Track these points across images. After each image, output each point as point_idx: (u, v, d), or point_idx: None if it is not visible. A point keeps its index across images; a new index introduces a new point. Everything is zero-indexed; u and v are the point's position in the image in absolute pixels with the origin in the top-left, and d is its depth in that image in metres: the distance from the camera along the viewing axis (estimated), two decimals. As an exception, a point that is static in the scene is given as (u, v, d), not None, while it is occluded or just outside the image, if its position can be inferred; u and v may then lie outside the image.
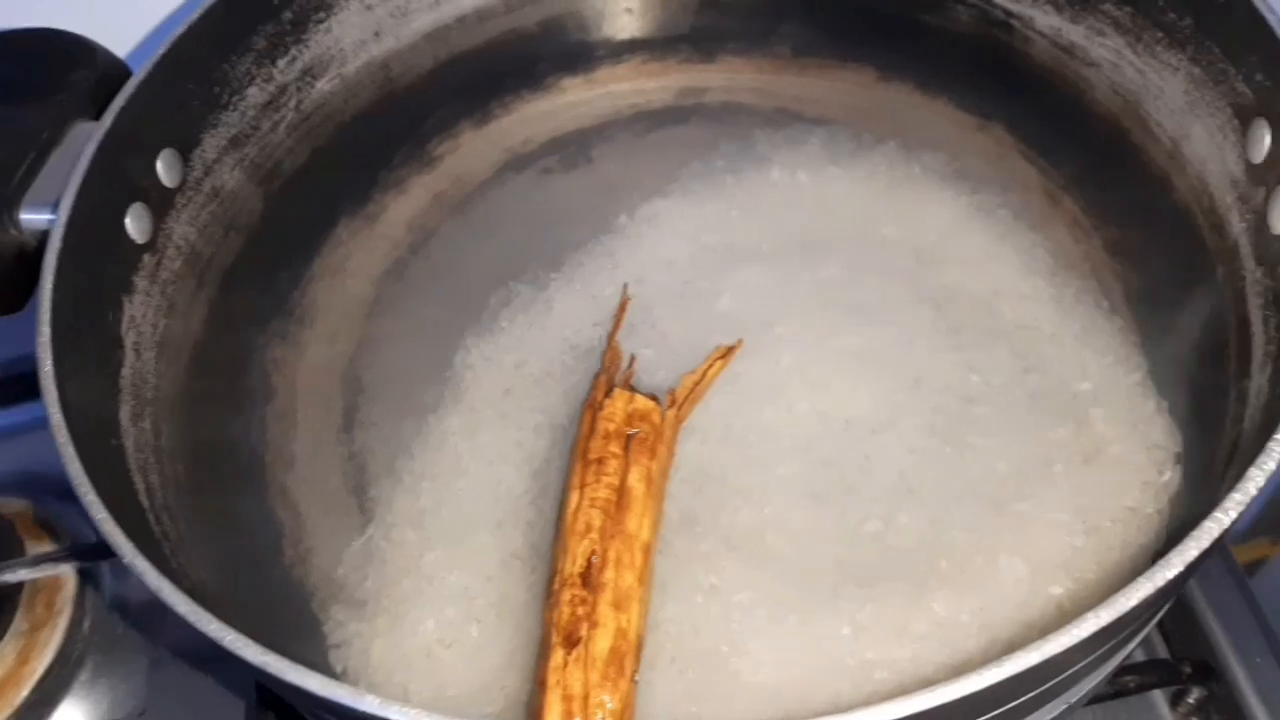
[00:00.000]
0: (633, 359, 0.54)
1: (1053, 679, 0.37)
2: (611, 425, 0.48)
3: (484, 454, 0.54)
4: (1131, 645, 0.44)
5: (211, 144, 0.57)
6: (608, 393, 0.50)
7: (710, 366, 0.53)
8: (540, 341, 0.58)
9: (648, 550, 0.46)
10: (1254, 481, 0.35)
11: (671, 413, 0.51)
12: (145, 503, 0.45)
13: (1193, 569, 0.34)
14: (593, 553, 0.45)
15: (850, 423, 0.53)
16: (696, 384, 0.53)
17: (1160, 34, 0.54)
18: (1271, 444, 0.35)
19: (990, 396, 0.54)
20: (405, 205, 0.65)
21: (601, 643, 0.43)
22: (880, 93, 0.66)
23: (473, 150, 0.67)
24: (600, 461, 0.47)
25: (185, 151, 0.55)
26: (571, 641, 0.42)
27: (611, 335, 0.56)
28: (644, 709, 0.45)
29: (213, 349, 0.56)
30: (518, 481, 0.53)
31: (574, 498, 0.47)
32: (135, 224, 0.52)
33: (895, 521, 0.50)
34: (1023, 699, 0.36)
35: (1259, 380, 0.46)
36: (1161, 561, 0.34)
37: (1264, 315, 0.47)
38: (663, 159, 0.65)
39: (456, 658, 0.49)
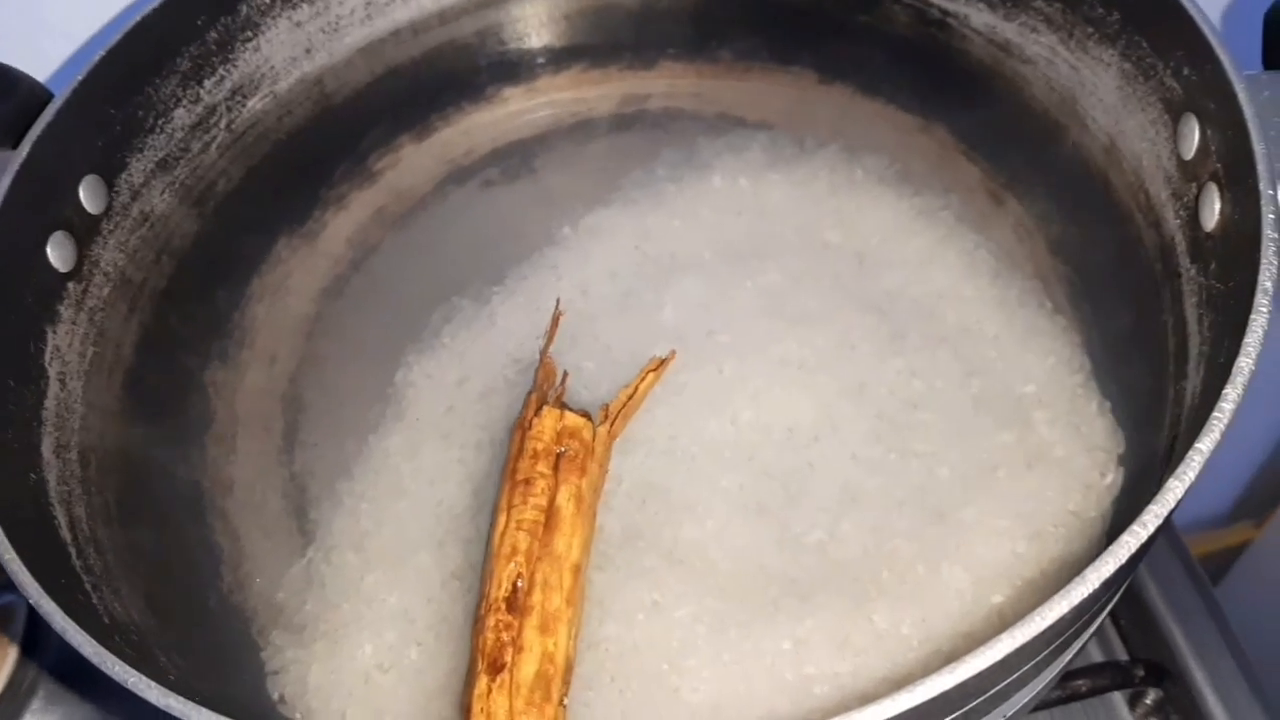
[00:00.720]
0: (565, 375, 0.54)
1: (992, 689, 0.37)
2: (540, 444, 0.48)
3: (425, 473, 0.54)
4: (1071, 652, 0.43)
5: (138, 168, 0.56)
6: (538, 411, 0.49)
7: (643, 379, 0.53)
8: (483, 357, 0.58)
9: (577, 570, 0.46)
10: (1173, 493, 0.34)
11: (603, 429, 0.50)
12: (67, 536, 0.44)
13: (1114, 583, 0.34)
14: (519, 576, 0.44)
15: (793, 431, 0.53)
16: (629, 398, 0.52)
17: (1090, 29, 0.53)
18: (1192, 454, 0.35)
19: (933, 402, 0.53)
20: (345, 221, 0.65)
21: (527, 668, 0.42)
22: (821, 96, 0.66)
23: (413, 164, 0.67)
24: (528, 482, 0.47)
25: (110, 177, 0.54)
26: (496, 668, 0.42)
27: (544, 350, 0.55)
28: (581, 731, 0.44)
29: (147, 374, 0.55)
30: (459, 499, 0.53)
31: (501, 520, 0.46)
32: (57, 252, 0.51)
33: (838, 531, 0.50)
34: (964, 709, 0.36)
35: (1194, 381, 0.45)
36: (1076, 579, 0.33)
37: (1199, 314, 0.46)
38: (605, 168, 0.65)
39: (394, 682, 0.48)
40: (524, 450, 0.48)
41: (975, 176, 0.61)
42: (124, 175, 0.55)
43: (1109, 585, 0.33)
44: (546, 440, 0.48)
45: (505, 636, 0.43)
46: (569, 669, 0.44)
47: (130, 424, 0.53)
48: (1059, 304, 0.56)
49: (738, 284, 0.58)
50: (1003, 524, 0.48)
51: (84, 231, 0.52)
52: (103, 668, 0.34)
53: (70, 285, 0.52)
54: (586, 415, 0.50)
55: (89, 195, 0.53)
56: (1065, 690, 0.53)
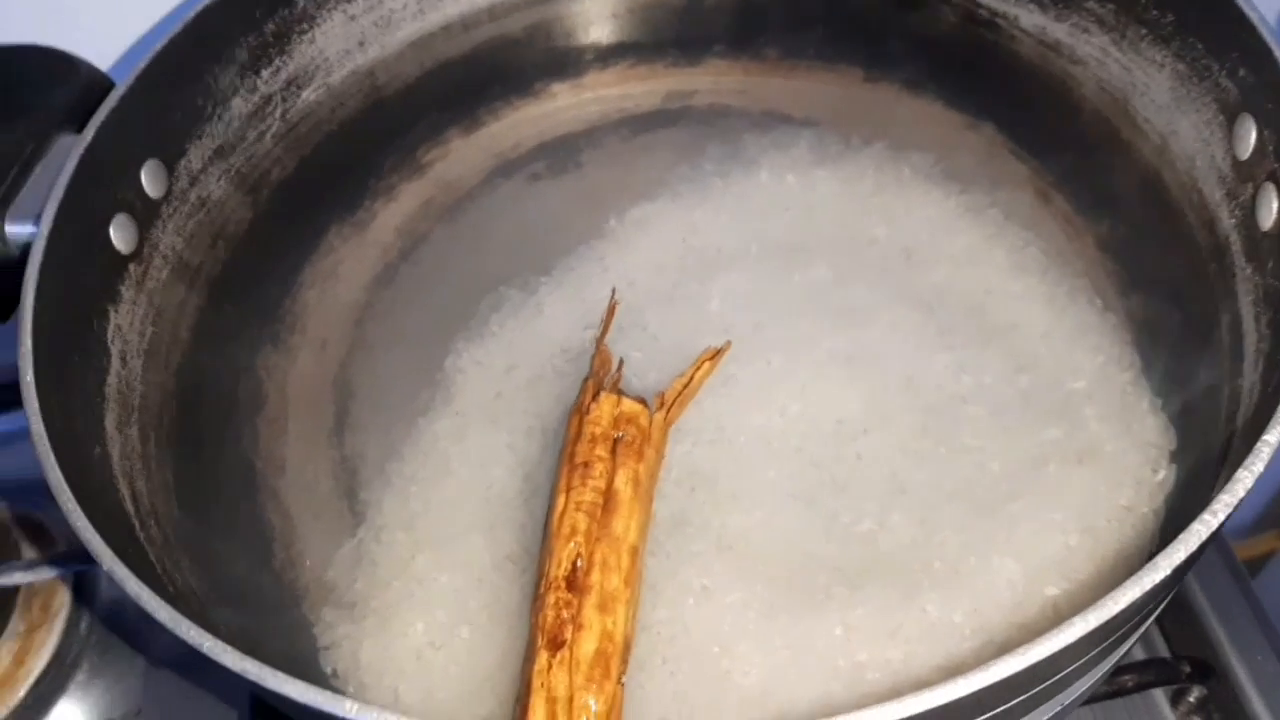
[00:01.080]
0: (621, 362, 0.54)
1: (1047, 680, 0.37)
2: (598, 429, 0.48)
3: (474, 457, 0.54)
4: (1127, 645, 0.44)
5: (196, 154, 0.57)
6: (595, 396, 0.50)
7: (699, 368, 0.53)
8: (531, 345, 0.58)
9: (635, 553, 0.46)
10: (1242, 483, 0.34)
11: (660, 415, 0.51)
12: (131, 508, 0.45)
13: (1183, 571, 0.34)
14: (578, 556, 0.45)
15: (841, 423, 0.53)
16: (685, 386, 0.52)
17: (1144, 30, 0.54)
18: (1260, 445, 0.35)
19: (982, 397, 0.53)
20: (395, 212, 0.65)
21: (587, 645, 0.42)
22: (868, 94, 0.66)
23: (461, 157, 0.67)
24: (586, 465, 0.47)
25: (170, 162, 0.55)
26: (556, 644, 0.42)
27: (600, 338, 0.56)
28: (635, 710, 0.45)
29: (202, 356, 0.56)
30: (509, 484, 0.53)
31: (560, 501, 0.47)
32: (120, 234, 0.52)
33: (887, 522, 0.50)
34: (1017, 700, 0.36)
35: (1251, 378, 0.45)
36: (1149, 565, 0.33)
37: (1255, 312, 0.46)
38: (651, 163, 0.65)
39: (446, 660, 0.48)
40: (582, 434, 0.48)
41: (1023, 174, 0.62)
42: (183, 161, 0.56)
43: (1178, 573, 0.33)
44: (604, 425, 0.48)
45: (565, 614, 0.43)
46: (627, 648, 0.44)
47: (186, 403, 0.54)
48: (1109, 301, 0.56)
49: (785, 278, 0.59)
50: (1054, 517, 0.48)
51: (145, 215, 0.53)
52: (176, 631, 0.34)
53: (131, 266, 0.52)
54: (643, 402, 0.50)
55: (150, 179, 0.53)
56: (1111, 685, 0.53)
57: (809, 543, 0.50)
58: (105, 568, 0.36)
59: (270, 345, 0.60)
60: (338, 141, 0.65)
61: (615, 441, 0.48)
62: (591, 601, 0.44)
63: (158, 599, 0.35)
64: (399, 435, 0.56)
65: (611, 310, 0.57)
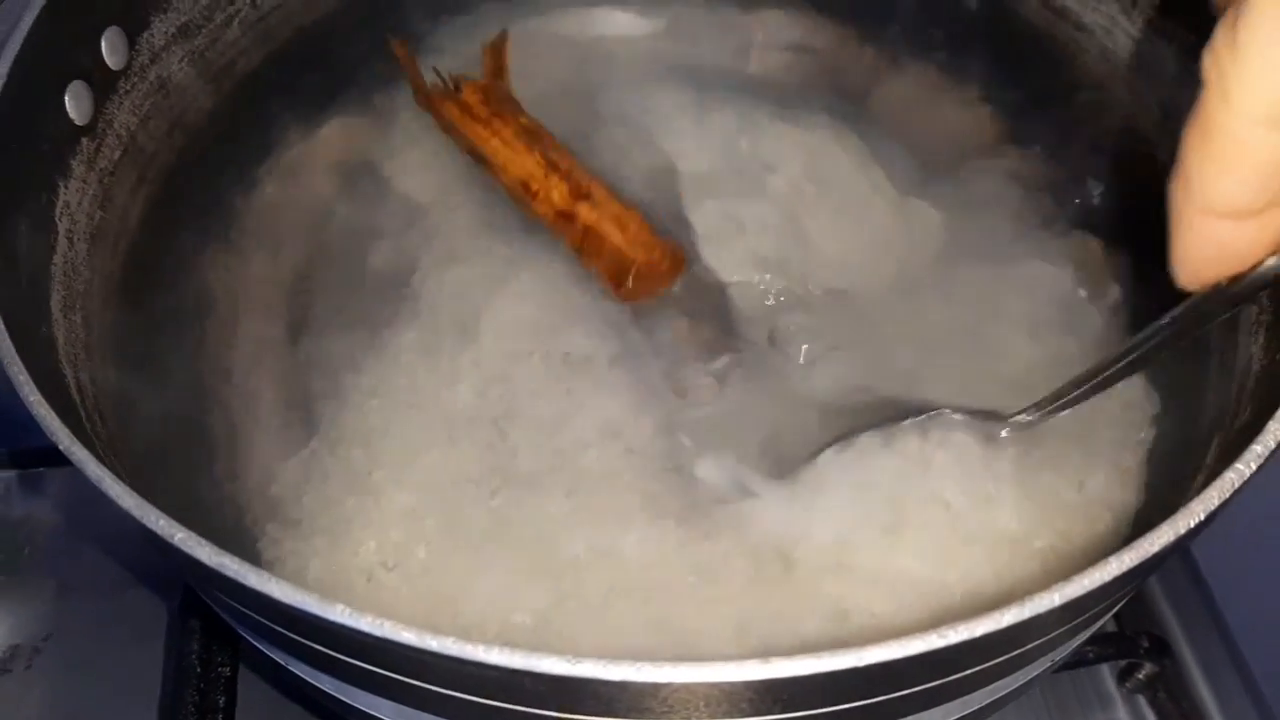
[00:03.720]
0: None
1: (1029, 643, 0.35)
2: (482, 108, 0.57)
3: (440, 371, 0.51)
4: (1111, 613, 0.43)
5: (160, 29, 0.52)
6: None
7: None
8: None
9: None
10: (1272, 434, 0.34)
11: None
12: (77, 398, 0.41)
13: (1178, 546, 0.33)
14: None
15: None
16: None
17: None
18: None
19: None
20: (363, 117, 0.62)
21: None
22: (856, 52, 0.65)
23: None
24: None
25: (132, 34, 0.51)
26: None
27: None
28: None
29: (150, 250, 0.52)
30: (474, 403, 0.50)
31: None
32: (75, 103, 0.47)
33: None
34: (998, 660, 0.35)
35: (1250, 349, 0.45)
36: (1155, 530, 0.32)
37: (1255, 283, 0.46)
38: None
39: (400, 580, 0.46)
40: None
41: (1011, 139, 0.60)
42: (146, 35, 0.52)
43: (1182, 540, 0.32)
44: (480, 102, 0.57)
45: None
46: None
47: (131, 297, 0.50)
48: (1093, 272, 0.55)
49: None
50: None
51: (102, 86, 0.49)
52: (143, 520, 0.31)
53: (84, 140, 0.48)
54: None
55: (110, 48, 0.49)
56: (1074, 655, 0.53)
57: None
58: (63, 447, 0.32)
59: (223, 244, 0.56)
60: (308, 39, 0.61)
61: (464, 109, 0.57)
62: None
63: (123, 485, 0.31)
64: (359, 346, 0.52)
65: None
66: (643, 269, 0.53)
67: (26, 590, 0.59)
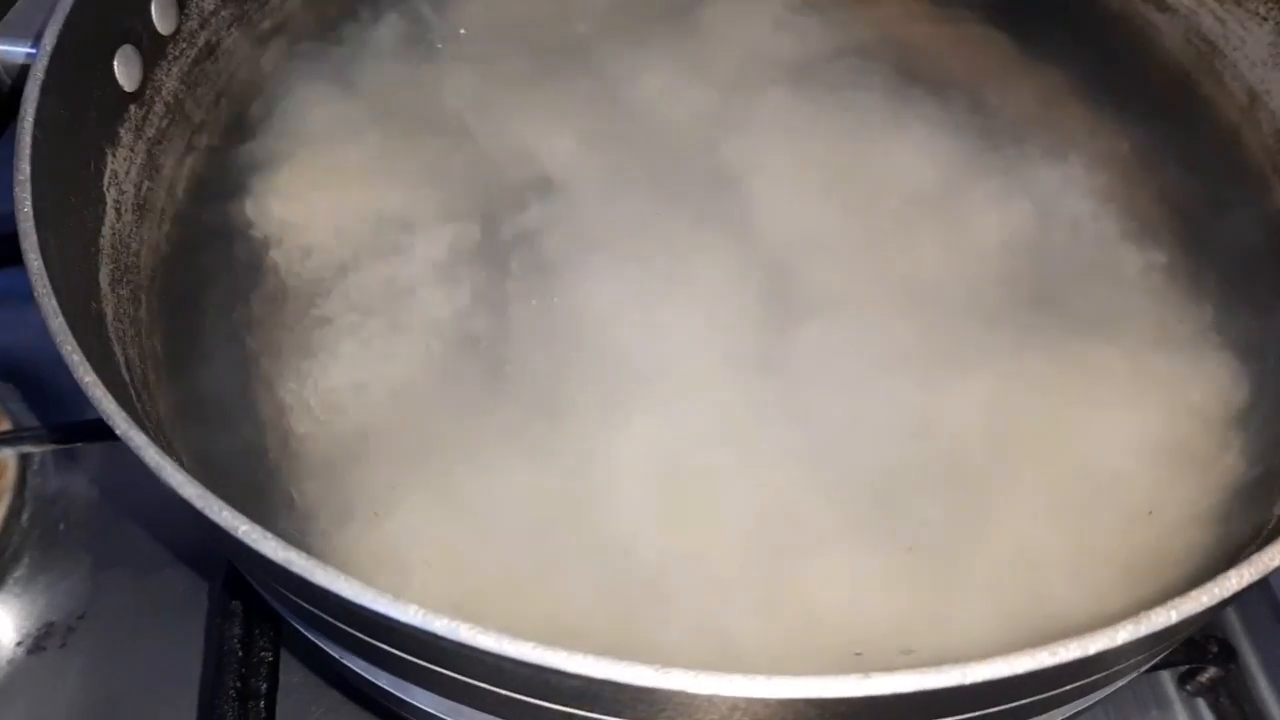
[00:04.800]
0: None
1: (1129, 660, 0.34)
2: None
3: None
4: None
5: (210, -7, 0.51)
6: None
7: None
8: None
9: None
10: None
11: None
12: (126, 377, 0.40)
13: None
14: None
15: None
16: None
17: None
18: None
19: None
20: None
21: None
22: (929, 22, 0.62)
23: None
24: None
25: (182, -3, 0.49)
26: None
27: None
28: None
29: (197, 222, 0.50)
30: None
31: None
32: (124, 68, 0.46)
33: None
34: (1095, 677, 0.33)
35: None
36: (1255, 557, 0.30)
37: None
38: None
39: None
40: None
41: (1087, 120, 0.58)
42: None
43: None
44: None
45: None
46: None
47: (177, 270, 0.49)
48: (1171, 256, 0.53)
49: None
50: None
51: (151, 51, 0.48)
52: (205, 511, 0.29)
53: (132, 108, 0.47)
54: None
55: (160, 12, 0.48)
56: (1143, 661, 0.51)
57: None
58: (120, 431, 0.31)
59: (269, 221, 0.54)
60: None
61: None
62: None
63: (183, 473, 0.30)
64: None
65: None
66: None
67: (62, 567, 0.58)
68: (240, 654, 0.50)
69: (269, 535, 0.29)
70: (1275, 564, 0.30)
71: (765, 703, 0.28)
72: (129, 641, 0.56)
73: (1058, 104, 0.59)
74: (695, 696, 0.27)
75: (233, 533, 0.29)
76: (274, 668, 0.50)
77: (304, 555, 0.28)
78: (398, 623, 0.28)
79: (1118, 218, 0.54)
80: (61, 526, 0.59)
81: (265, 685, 0.50)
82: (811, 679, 0.27)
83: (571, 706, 0.31)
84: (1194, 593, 0.29)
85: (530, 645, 0.27)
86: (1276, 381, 0.47)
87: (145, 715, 0.54)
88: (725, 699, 0.27)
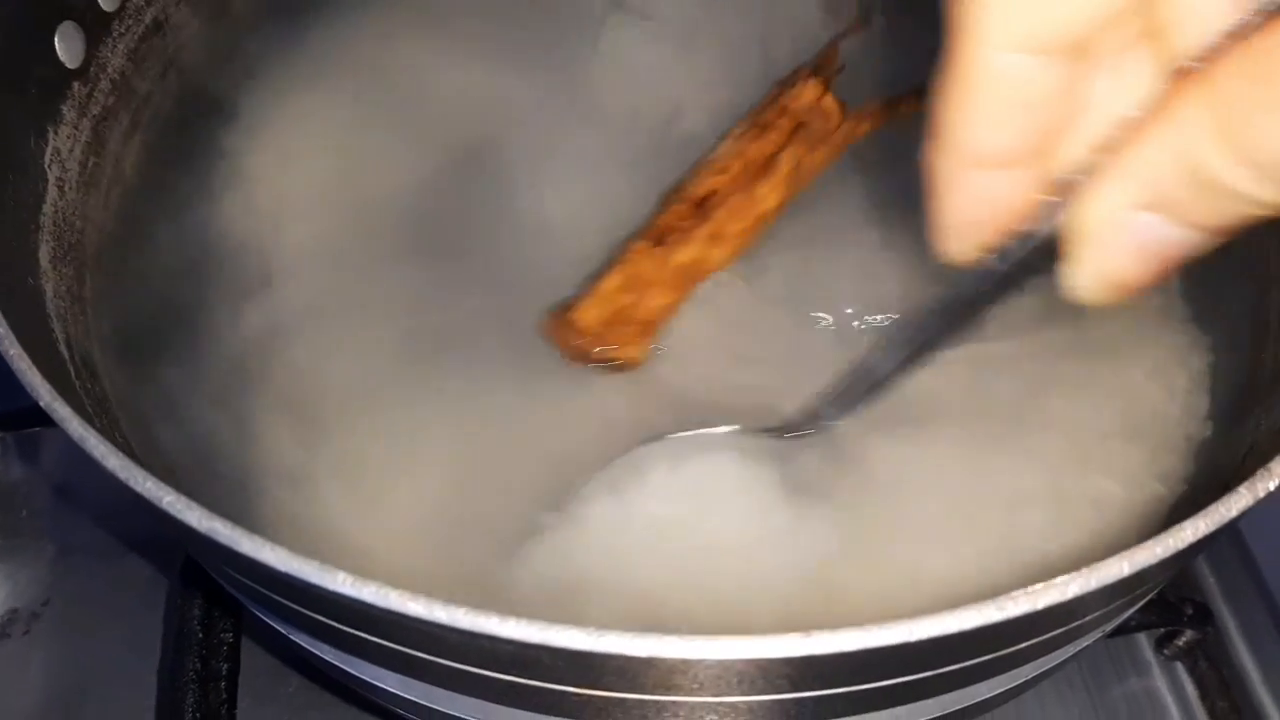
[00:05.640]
0: (843, 67, 0.53)
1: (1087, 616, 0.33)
2: (792, 104, 0.50)
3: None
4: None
5: (156, -34, 0.50)
6: (805, 78, 0.51)
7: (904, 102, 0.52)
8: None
9: (761, 220, 0.48)
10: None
11: (850, 124, 0.51)
12: (65, 353, 0.39)
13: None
14: (715, 190, 0.47)
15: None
16: (883, 110, 0.52)
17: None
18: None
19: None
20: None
21: (682, 255, 0.46)
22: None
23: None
24: (764, 128, 0.49)
25: (126, -29, 0.48)
26: (658, 240, 0.46)
27: (838, 37, 0.54)
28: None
29: (146, 198, 0.49)
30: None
31: (725, 145, 0.49)
32: (65, 45, 0.45)
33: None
34: (1054, 633, 0.33)
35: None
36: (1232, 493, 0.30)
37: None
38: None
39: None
40: (775, 104, 0.50)
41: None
42: (140, -28, 0.49)
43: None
44: (799, 106, 0.50)
45: (680, 224, 0.47)
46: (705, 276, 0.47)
47: (126, 249, 0.48)
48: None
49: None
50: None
51: (94, 28, 0.46)
52: (130, 483, 0.29)
53: (75, 85, 0.45)
54: (844, 106, 0.51)
55: (102, -15, 0.47)
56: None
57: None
58: (43, 403, 0.30)
59: (220, 190, 0.53)
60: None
61: (799, 125, 0.49)
62: (706, 229, 0.47)
63: (107, 444, 0.29)
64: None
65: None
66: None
67: (25, 554, 0.57)
68: (200, 636, 0.49)
69: (193, 505, 0.28)
70: (1231, 515, 0.29)
71: (705, 664, 0.27)
72: (94, 627, 0.55)
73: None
74: (632, 660, 0.26)
75: (157, 504, 0.28)
76: (234, 649, 0.50)
77: (229, 524, 0.28)
78: (328, 591, 0.27)
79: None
80: (24, 514, 0.59)
81: (226, 667, 0.49)
82: (753, 639, 0.26)
83: (513, 675, 0.30)
84: (1147, 543, 0.28)
85: (462, 610, 0.26)
86: (1233, 345, 0.46)
87: (112, 699, 0.53)
88: (664, 661, 0.26)
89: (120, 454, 0.29)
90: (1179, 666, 0.56)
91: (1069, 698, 0.55)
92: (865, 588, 0.40)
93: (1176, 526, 0.28)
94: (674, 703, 0.30)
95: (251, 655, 0.52)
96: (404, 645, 0.30)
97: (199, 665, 0.48)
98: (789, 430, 0.42)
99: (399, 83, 0.56)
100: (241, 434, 0.46)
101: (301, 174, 0.53)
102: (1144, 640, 0.57)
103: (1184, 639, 0.55)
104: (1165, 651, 0.56)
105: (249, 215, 0.52)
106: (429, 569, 0.41)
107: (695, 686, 0.28)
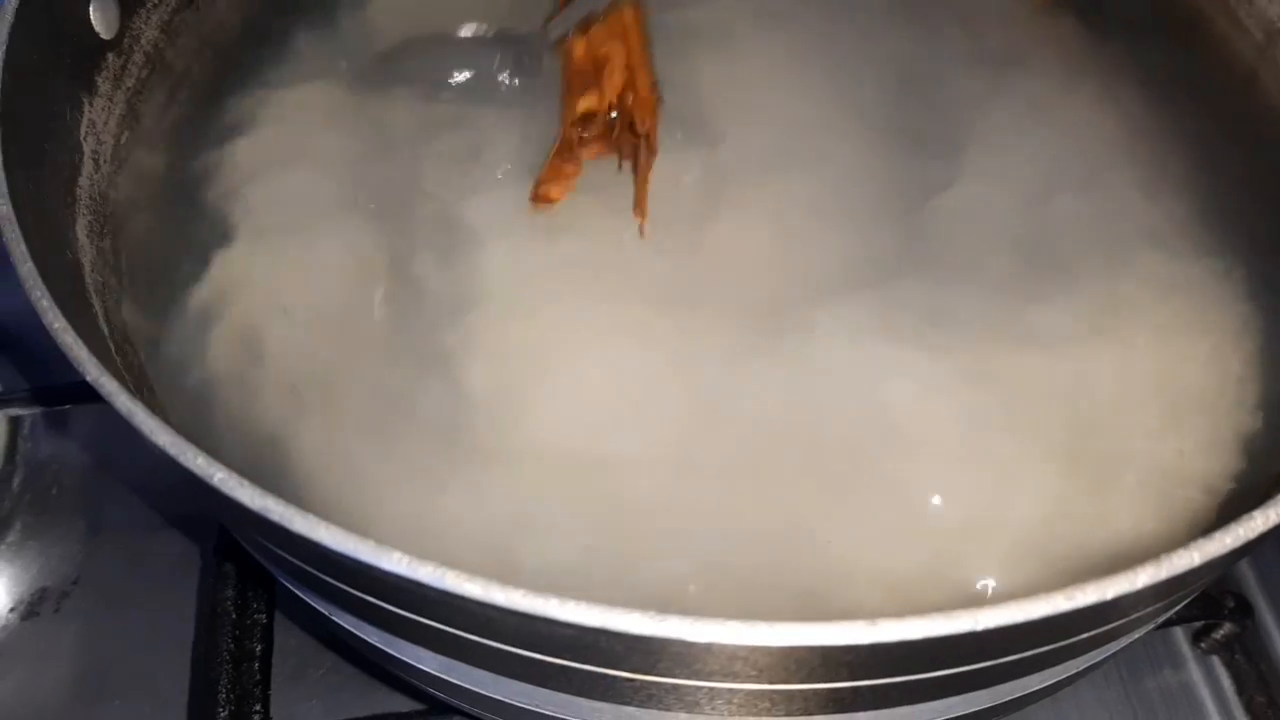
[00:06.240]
0: None
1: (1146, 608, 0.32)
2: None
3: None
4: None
5: (190, -64, 0.49)
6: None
7: None
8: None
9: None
10: None
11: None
12: (105, 328, 0.38)
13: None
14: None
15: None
16: None
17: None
18: None
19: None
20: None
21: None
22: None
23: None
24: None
25: (161, -61, 0.48)
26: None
27: None
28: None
29: (180, 173, 0.49)
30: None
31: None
32: (100, 16, 0.44)
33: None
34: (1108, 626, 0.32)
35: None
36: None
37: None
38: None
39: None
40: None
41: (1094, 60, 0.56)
42: (174, -58, 0.48)
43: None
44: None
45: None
46: None
47: (160, 224, 0.47)
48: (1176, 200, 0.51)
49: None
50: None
51: (128, -1, 0.46)
52: (180, 459, 0.28)
53: (110, 56, 0.45)
54: None
55: (137, -45, 0.46)
56: (1157, 615, 0.50)
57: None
58: (90, 378, 0.30)
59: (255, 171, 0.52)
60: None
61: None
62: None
63: (156, 420, 0.29)
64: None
65: None
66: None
67: (55, 532, 0.57)
68: (234, 616, 0.49)
69: (245, 482, 0.27)
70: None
71: (765, 651, 0.26)
72: (123, 605, 0.55)
73: (1060, 44, 0.57)
74: (693, 645, 0.26)
75: (208, 480, 0.28)
76: (268, 629, 0.49)
77: (282, 502, 0.27)
78: (381, 571, 0.26)
79: (1128, 165, 0.52)
80: (54, 491, 0.59)
81: (260, 647, 0.49)
82: (818, 625, 0.26)
83: (566, 659, 0.29)
84: (1217, 534, 0.27)
85: (520, 593, 0.26)
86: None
87: (141, 679, 0.53)
88: (723, 647, 0.26)
89: (170, 429, 0.28)
90: (1215, 660, 0.55)
91: (1104, 691, 0.54)
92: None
93: (1246, 516, 0.28)
94: (729, 690, 0.29)
95: (283, 635, 0.51)
96: (454, 627, 0.30)
97: (232, 645, 0.48)
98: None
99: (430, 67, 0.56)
100: (272, 409, 0.46)
101: (338, 150, 0.53)
102: (1180, 634, 0.56)
103: (1221, 632, 0.54)
104: (1202, 645, 0.55)
105: (283, 192, 0.51)
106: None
107: (754, 674, 0.28)
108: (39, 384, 0.59)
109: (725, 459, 0.41)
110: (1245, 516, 0.27)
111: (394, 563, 0.26)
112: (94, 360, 0.30)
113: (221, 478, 0.28)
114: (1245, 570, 0.57)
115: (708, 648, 0.26)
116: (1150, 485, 0.42)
